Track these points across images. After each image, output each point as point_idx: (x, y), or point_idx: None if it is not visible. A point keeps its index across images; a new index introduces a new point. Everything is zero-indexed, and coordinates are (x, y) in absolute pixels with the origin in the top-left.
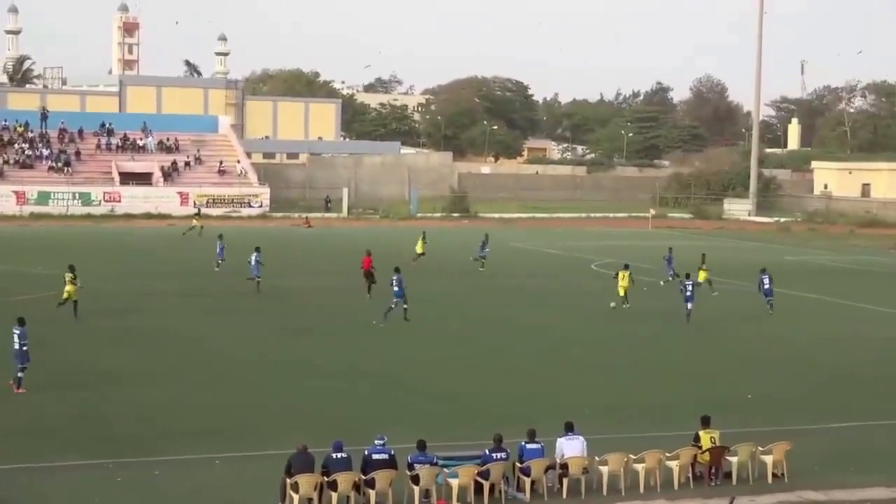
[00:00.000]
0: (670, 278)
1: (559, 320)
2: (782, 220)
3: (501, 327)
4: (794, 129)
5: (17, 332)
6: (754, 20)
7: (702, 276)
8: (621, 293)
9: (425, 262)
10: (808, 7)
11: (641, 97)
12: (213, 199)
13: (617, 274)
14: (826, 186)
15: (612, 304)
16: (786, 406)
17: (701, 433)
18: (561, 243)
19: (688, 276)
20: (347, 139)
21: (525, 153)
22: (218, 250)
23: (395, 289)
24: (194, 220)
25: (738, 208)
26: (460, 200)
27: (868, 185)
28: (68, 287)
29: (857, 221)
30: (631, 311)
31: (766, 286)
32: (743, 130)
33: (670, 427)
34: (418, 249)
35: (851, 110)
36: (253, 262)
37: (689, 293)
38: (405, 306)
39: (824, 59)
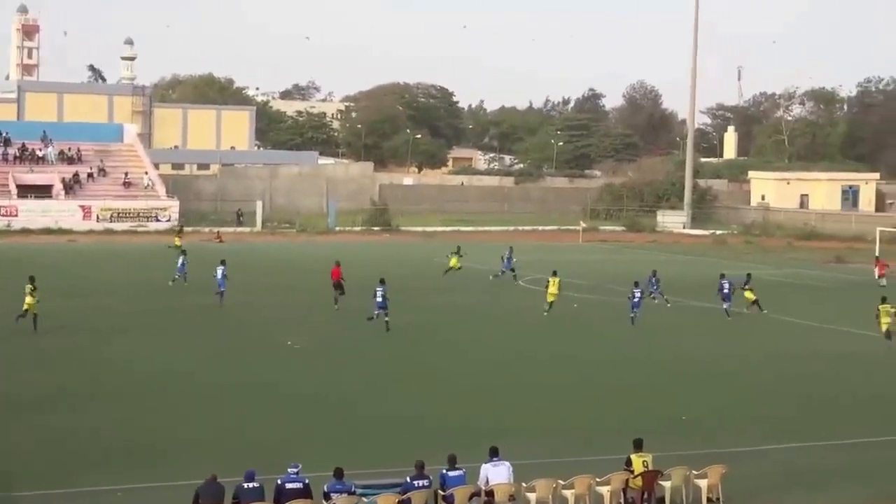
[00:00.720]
0: (666, 301)
1: (491, 338)
2: (718, 232)
3: (434, 346)
4: (730, 138)
5: None
6: (690, 25)
7: (749, 295)
8: (550, 299)
9: (352, 279)
10: (746, 12)
11: (572, 104)
12: (118, 214)
13: (548, 282)
14: (763, 197)
15: (545, 313)
16: (721, 427)
17: (633, 457)
18: (488, 258)
19: (636, 285)
20: (262, 149)
21: (450, 163)
22: (179, 265)
23: (379, 300)
24: (176, 239)
25: (673, 220)
26: (381, 213)
27: (806, 195)
28: (28, 299)
29: (795, 234)
30: (564, 329)
31: (726, 291)
32: (678, 139)
33: (602, 450)
34: (452, 264)
35: (789, 118)
36: (219, 276)
37: (636, 300)
38: (386, 319)
39: (762, 64)
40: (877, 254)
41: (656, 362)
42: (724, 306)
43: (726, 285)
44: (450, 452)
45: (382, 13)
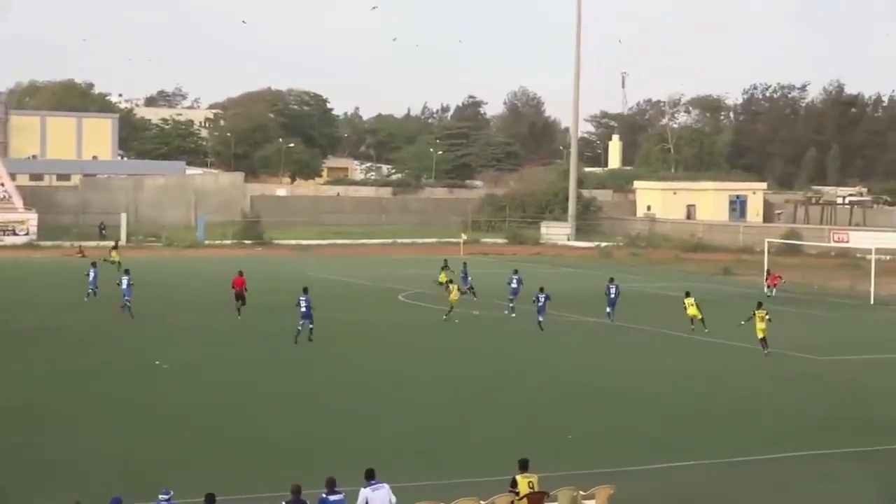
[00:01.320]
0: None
1: (369, 357)
2: (603, 244)
3: (309, 366)
4: (615, 147)
5: None
6: (573, 30)
7: (693, 311)
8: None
9: (223, 296)
10: (630, 16)
11: (451, 112)
12: None
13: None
14: (649, 208)
15: (444, 317)
16: (608, 446)
17: (518, 478)
18: (365, 272)
19: (541, 290)
20: (126, 158)
21: (325, 173)
22: (91, 278)
23: (303, 310)
24: (113, 254)
25: (557, 232)
26: (253, 226)
27: (693, 206)
28: None
29: (682, 245)
30: (444, 346)
31: (612, 296)
32: (561, 148)
33: (486, 472)
34: (441, 278)
35: (675, 126)
36: (125, 286)
37: (540, 304)
38: (311, 326)
39: (647, 71)
40: (766, 266)
41: (540, 379)
42: (607, 310)
43: (613, 290)
44: (328, 475)
45: (255, 14)
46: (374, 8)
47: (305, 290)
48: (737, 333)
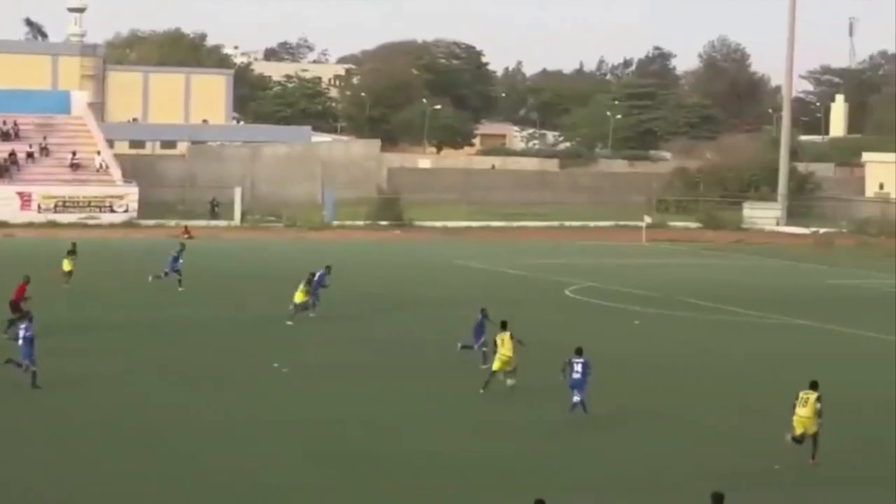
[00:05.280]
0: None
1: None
2: (822, 230)
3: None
4: (838, 110)
5: None
6: None
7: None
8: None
9: (353, 288)
10: None
11: (634, 67)
12: (64, 202)
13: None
14: (882, 187)
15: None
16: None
17: None
18: (525, 261)
19: (578, 353)
20: (242, 123)
21: (478, 141)
22: (171, 260)
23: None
24: (185, 235)
25: (764, 215)
26: (391, 204)
27: None
28: None
29: None
30: (633, 355)
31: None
32: (770, 111)
33: None
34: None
35: None
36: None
37: (578, 375)
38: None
39: (882, 16)
40: None
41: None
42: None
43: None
44: None
45: None
46: None
47: (484, 314)
48: None
